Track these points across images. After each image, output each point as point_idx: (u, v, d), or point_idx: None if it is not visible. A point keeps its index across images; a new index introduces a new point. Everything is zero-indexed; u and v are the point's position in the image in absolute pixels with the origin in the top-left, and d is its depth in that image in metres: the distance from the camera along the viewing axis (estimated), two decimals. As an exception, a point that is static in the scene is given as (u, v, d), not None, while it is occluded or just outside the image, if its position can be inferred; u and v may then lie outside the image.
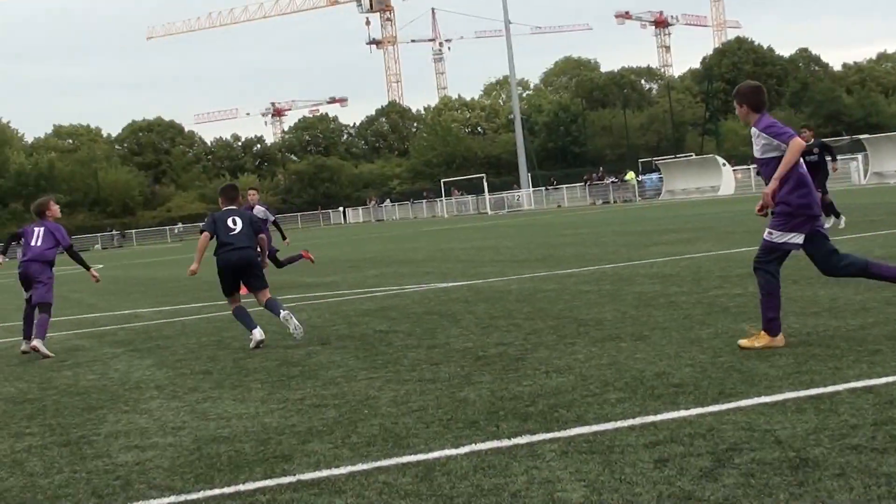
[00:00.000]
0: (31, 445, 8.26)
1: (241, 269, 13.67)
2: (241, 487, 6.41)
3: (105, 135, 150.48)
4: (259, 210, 21.63)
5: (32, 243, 14.60)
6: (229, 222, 13.67)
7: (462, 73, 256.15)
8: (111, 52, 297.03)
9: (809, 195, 9.35)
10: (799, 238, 9.34)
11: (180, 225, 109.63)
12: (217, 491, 6.39)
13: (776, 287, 9.35)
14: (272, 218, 22.80)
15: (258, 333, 13.00)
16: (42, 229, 14.76)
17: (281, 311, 13.10)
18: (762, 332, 9.39)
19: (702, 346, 9.68)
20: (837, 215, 23.82)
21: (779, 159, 9.26)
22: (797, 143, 9.14)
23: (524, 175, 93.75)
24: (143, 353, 13.43)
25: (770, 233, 9.42)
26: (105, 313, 20.26)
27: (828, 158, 24.11)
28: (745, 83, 9.94)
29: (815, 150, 23.63)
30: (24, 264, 14.54)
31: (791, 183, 9.26)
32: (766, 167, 9.47)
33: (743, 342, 9.44)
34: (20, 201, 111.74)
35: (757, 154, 9.61)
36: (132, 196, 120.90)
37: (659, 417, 7.09)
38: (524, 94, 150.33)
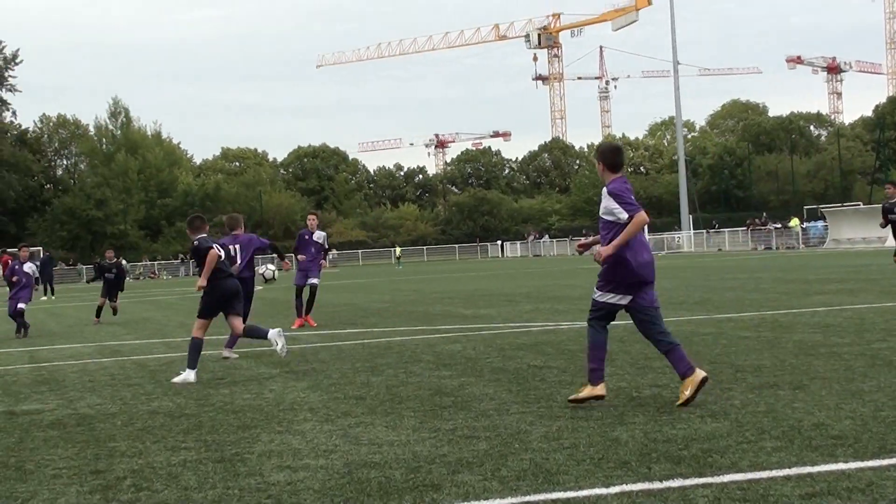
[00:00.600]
0: (187, 460, 8.43)
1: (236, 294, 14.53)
2: (390, 513, 6.45)
3: (271, 159, 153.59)
4: (319, 235, 22.97)
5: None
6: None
7: (627, 112, 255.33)
8: (280, 78, 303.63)
9: (632, 266, 9.77)
10: (623, 300, 9.95)
11: (335, 252, 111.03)
12: (366, 515, 6.44)
13: (601, 341, 10.05)
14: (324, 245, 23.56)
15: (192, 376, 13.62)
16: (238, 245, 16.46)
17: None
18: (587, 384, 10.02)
19: (863, 399, 9.44)
20: None
21: (614, 224, 9.69)
22: (641, 217, 9.61)
23: (685, 217, 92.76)
24: (299, 376, 13.61)
25: (595, 291, 10.19)
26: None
27: None
28: (608, 143, 11.20)
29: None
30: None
31: (621, 251, 9.73)
32: (603, 228, 9.98)
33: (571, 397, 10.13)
34: (185, 220, 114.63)
35: (600, 212, 10.02)
36: (294, 220, 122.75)
37: (816, 469, 6.94)
38: (689, 136, 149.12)
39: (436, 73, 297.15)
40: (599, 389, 9.93)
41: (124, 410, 11.32)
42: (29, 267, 25.22)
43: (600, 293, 10.08)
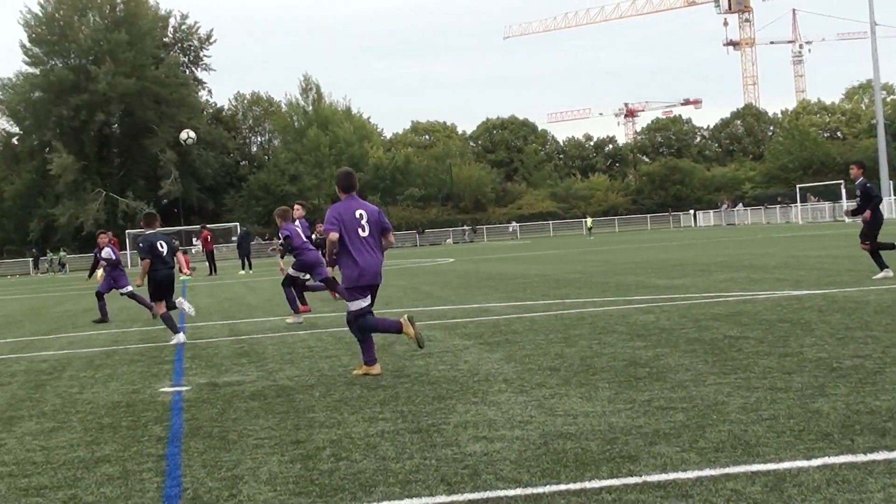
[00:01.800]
0: (384, 430, 8.55)
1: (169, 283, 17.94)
2: (587, 485, 6.43)
3: (460, 131, 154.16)
4: (300, 225, 21.32)
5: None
6: (158, 245, 17.56)
7: (822, 76, 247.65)
8: (468, 50, 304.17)
9: (355, 272, 11.97)
10: (364, 302, 12.06)
11: (514, 224, 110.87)
12: (563, 486, 6.43)
13: (369, 335, 12.09)
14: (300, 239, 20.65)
15: (181, 336, 17.17)
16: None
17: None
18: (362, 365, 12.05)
19: None
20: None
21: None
22: (330, 237, 11.85)
23: (885, 182, 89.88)
24: (493, 347, 13.66)
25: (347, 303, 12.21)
26: (457, 306, 20.73)
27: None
28: (341, 169, 12.57)
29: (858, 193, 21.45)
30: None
31: (344, 259, 11.98)
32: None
33: (355, 372, 12.07)
34: (377, 194, 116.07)
35: None
36: (484, 192, 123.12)
37: None
38: (888, 99, 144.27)
39: (623, 41, 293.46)
40: (375, 368, 11.94)
41: (322, 382, 11.55)
42: (106, 253, 24.12)
43: (349, 303, 12.23)
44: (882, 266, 20.47)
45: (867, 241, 20.81)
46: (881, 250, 20.75)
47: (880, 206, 20.96)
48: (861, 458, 6.61)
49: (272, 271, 46.00)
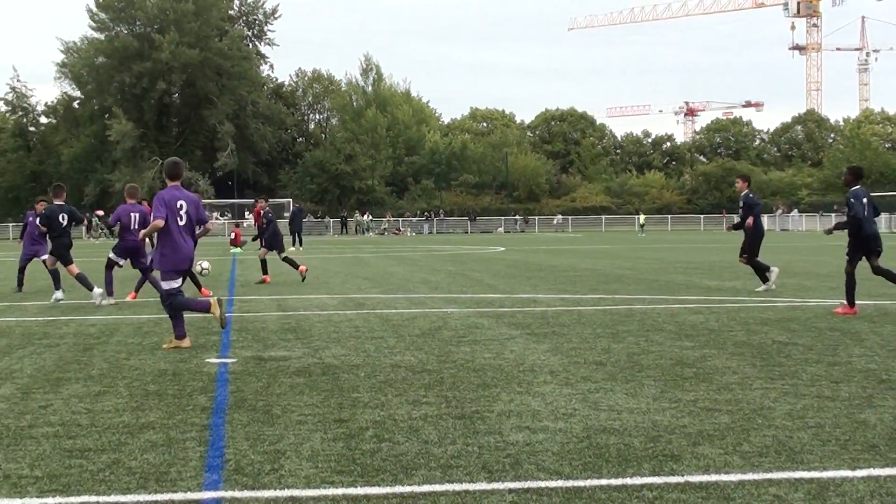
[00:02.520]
0: (428, 414, 8.56)
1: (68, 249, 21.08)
2: (629, 481, 6.42)
3: (518, 121, 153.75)
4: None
5: None
6: (59, 217, 20.77)
7: (887, 86, 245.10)
8: (532, 40, 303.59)
9: (171, 256, 13.10)
10: (176, 283, 13.20)
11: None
12: (604, 481, 6.43)
13: (180, 313, 13.22)
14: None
15: (97, 292, 19.72)
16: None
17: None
18: (173, 339, 13.25)
19: None
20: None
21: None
22: (156, 223, 12.95)
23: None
24: (539, 338, 13.64)
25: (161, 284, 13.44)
26: (505, 295, 20.72)
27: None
28: (169, 159, 13.65)
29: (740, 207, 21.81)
30: None
31: (162, 244, 13.16)
32: None
33: (165, 346, 13.13)
34: (431, 178, 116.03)
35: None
36: (538, 183, 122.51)
37: None
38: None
39: (688, 39, 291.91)
40: (186, 342, 13.18)
41: (367, 362, 11.57)
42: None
43: (162, 283, 13.40)
44: (764, 280, 21.08)
45: (745, 255, 21.54)
46: (757, 269, 21.39)
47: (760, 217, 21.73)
48: (907, 471, 6.57)
49: (323, 248, 46.19)
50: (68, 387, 10.13)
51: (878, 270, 16.94)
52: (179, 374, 10.87)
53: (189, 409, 8.93)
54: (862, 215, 16.58)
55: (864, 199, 16.74)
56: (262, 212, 27.85)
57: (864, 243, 16.81)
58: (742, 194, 21.67)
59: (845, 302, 16.63)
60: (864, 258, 16.81)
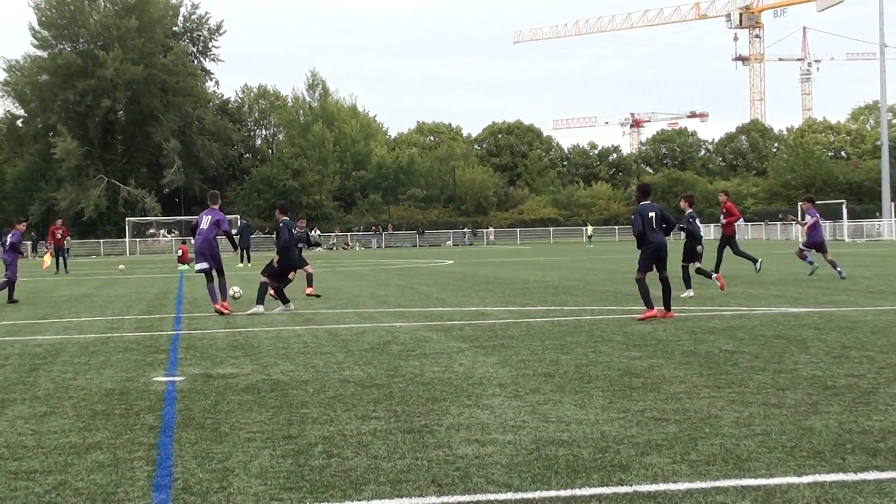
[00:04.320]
0: (377, 429, 8.55)
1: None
2: (578, 492, 6.44)
3: (465, 134, 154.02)
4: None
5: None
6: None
7: (829, 95, 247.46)
8: (476, 53, 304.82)
9: None
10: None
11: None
12: (553, 493, 6.45)
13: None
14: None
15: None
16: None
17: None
18: None
19: None
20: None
21: None
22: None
23: (887, 204, 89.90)
24: (488, 351, 13.66)
25: None
26: (454, 308, 20.74)
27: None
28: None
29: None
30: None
31: None
32: None
33: None
34: (379, 193, 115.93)
35: None
36: (486, 196, 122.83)
37: None
38: (894, 121, 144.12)
39: (633, 51, 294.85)
40: None
41: (316, 378, 11.55)
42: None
43: None
44: (687, 286, 22.50)
45: (688, 262, 22.80)
46: (685, 278, 22.76)
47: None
48: (852, 476, 6.64)
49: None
50: (13, 408, 10.04)
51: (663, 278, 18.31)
52: (126, 393, 10.80)
53: (136, 428, 8.87)
54: (640, 230, 17.80)
55: (651, 214, 17.92)
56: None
57: (649, 254, 18.03)
58: (687, 213, 22.53)
59: (662, 308, 17.89)
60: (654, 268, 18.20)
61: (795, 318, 16.91)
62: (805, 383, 10.27)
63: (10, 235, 27.20)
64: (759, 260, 28.93)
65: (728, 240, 29.69)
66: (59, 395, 10.74)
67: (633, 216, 17.89)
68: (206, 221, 20.87)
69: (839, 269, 27.35)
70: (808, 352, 12.71)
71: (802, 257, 28.86)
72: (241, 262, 49.91)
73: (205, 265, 20.66)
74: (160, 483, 6.95)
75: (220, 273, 20.84)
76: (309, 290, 25.25)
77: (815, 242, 28.87)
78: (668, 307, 17.81)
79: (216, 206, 21.26)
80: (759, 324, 16.26)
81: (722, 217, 29.58)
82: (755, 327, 15.73)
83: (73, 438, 8.48)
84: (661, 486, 6.50)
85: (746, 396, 9.60)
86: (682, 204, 23.42)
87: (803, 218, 29.52)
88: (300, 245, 26.39)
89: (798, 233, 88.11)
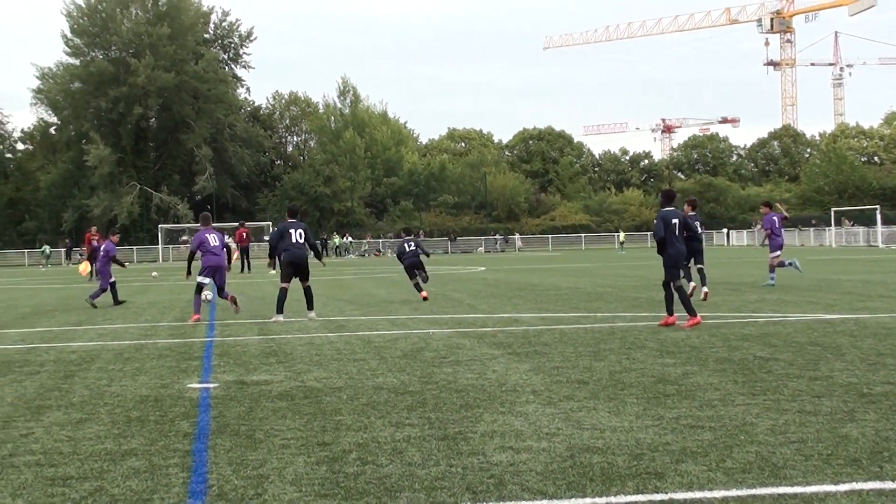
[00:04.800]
0: (411, 436, 8.56)
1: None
2: (613, 500, 6.44)
3: (496, 140, 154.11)
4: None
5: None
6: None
7: (862, 100, 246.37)
8: (508, 59, 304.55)
9: None
10: None
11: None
12: (588, 500, 6.45)
13: None
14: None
15: None
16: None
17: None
18: None
19: None
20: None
21: None
22: None
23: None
24: (521, 358, 13.66)
25: None
26: (486, 315, 20.75)
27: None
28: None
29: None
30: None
31: None
32: None
33: None
34: (410, 199, 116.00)
35: None
36: (518, 202, 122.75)
37: None
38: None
39: (663, 56, 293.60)
40: None
41: (350, 385, 11.57)
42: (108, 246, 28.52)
43: None
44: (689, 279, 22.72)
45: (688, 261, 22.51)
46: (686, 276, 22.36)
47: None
48: (889, 485, 6.62)
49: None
50: (49, 414, 10.10)
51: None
52: (161, 399, 10.85)
53: (171, 434, 8.90)
54: (661, 235, 17.77)
55: (674, 221, 17.95)
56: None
57: (667, 257, 17.94)
58: (689, 216, 22.63)
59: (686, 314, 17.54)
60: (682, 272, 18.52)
61: (830, 325, 16.83)
62: (841, 390, 10.21)
63: (104, 245, 28.40)
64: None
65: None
66: (94, 402, 10.80)
67: (655, 221, 17.92)
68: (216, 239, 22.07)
69: (773, 276, 28.27)
70: (844, 359, 12.65)
71: (781, 265, 28.89)
72: (275, 268, 49.94)
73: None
74: (195, 489, 6.98)
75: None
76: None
77: (778, 245, 28.99)
78: (691, 313, 17.42)
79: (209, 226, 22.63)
80: (794, 330, 16.19)
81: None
82: (789, 334, 15.66)
83: (109, 445, 8.53)
84: (697, 494, 6.48)
85: (782, 404, 9.56)
86: (686, 208, 23.33)
87: (768, 224, 29.49)
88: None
89: (831, 239, 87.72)
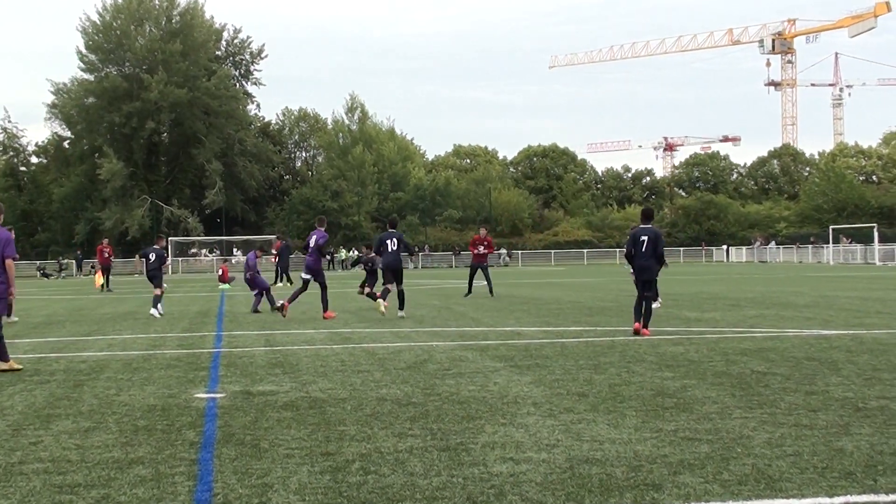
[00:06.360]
0: (413, 447, 8.68)
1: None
2: (609, 510, 6.55)
3: (501, 157, 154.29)
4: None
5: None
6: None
7: (861, 120, 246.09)
8: (514, 77, 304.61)
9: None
10: None
11: (504, 250, 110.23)
12: (586, 509, 6.55)
13: None
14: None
15: None
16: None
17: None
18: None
19: None
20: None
21: None
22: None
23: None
24: (523, 370, 13.78)
25: None
26: (489, 328, 20.86)
27: None
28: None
29: None
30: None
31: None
32: None
33: None
34: (416, 214, 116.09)
35: None
36: (521, 218, 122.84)
37: None
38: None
39: (667, 76, 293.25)
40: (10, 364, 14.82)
41: (354, 396, 11.69)
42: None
43: None
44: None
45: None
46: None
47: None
48: (883, 497, 6.72)
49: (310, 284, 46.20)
50: (58, 423, 10.23)
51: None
52: (168, 409, 10.98)
53: (178, 443, 9.03)
54: (628, 252, 19.59)
55: (643, 238, 19.29)
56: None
57: (636, 275, 19.53)
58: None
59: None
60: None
61: (827, 341, 16.95)
62: (836, 405, 10.34)
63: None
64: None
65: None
66: (102, 411, 10.93)
67: (627, 237, 18.85)
68: (312, 240, 25.30)
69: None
70: (840, 374, 12.77)
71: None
72: (281, 281, 50.09)
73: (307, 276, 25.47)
74: (201, 498, 7.10)
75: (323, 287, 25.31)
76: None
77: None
78: (643, 324, 18.72)
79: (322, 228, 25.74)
80: (791, 346, 16.31)
81: (482, 248, 35.14)
82: (787, 349, 15.78)
83: (116, 453, 8.65)
84: (693, 505, 6.62)
85: (778, 417, 9.69)
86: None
87: None
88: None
89: (829, 256, 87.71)
